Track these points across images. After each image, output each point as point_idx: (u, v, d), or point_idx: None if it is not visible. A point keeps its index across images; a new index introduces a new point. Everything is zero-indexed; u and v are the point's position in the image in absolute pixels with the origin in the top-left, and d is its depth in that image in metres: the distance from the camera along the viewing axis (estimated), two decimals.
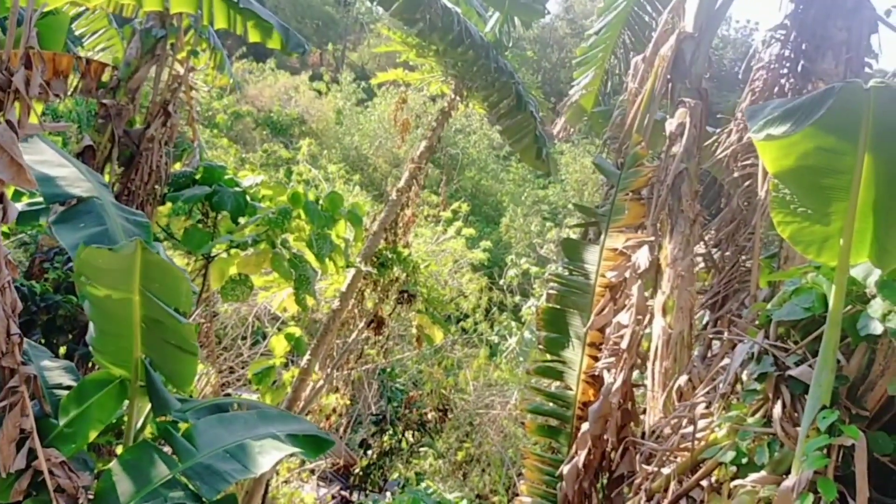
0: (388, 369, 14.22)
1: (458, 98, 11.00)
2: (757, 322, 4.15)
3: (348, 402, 12.52)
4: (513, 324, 15.99)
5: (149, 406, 4.81)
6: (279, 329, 11.45)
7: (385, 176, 26.86)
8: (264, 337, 12.70)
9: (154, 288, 4.31)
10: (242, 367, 12.31)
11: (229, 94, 26.81)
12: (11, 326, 4.00)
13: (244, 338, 12.92)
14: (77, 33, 9.19)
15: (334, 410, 11.79)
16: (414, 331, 11.96)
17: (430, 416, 13.57)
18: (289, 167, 19.25)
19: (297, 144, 22.93)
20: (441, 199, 16.02)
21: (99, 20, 9.07)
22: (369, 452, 13.74)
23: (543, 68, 36.78)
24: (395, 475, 13.33)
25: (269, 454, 4.62)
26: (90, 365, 6.56)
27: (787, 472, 3.29)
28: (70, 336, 6.90)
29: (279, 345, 9.29)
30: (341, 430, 13.33)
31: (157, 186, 7.55)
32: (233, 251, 7.97)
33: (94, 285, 4.26)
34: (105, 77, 7.30)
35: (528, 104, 10.67)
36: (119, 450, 5.32)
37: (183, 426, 4.80)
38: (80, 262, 4.16)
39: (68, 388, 4.68)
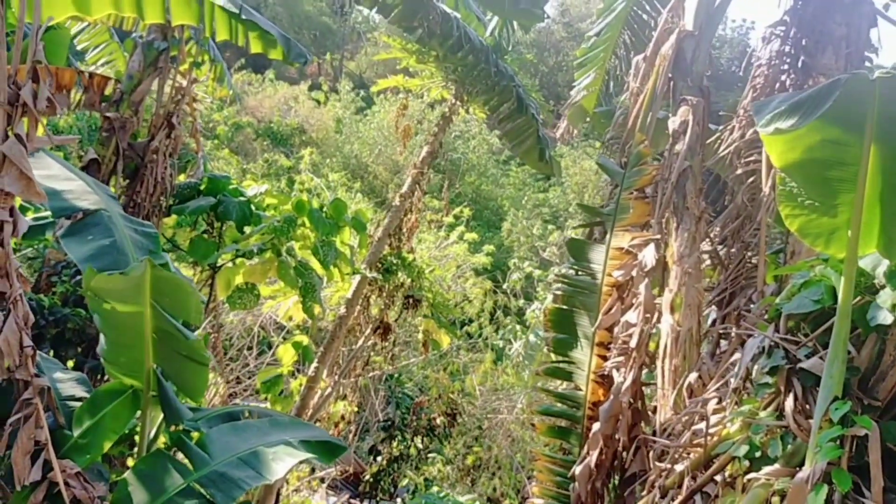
0: (395, 375, 14.21)
1: (458, 103, 11.03)
2: (766, 316, 4.17)
3: (356, 409, 12.52)
4: (517, 327, 15.97)
5: (161, 416, 4.82)
6: (284, 338, 11.46)
7: (385, 183, 26.89)
8: (270, 347, 12.70)
9: (165, 302, 4.33)
10: (249, 378, 12.32)
11: (229, 106, 26.88)
12: (24, 339, 4.01)
13: (250, 348, 12.92)
14: (79, 48, 9.24)
15: (343, 418, 11.78)
16: (420, 336, 11.97)
17: (438, 421, 13.54)
18: (290, 176, 19.29)
19: (297, 154, 22.96)
20: (443, 203, 16.05)
21: (100, 34, 9.12)
22: (379, 459, 13.72)
23: (540, 72, 36.86)
24: (405, 481, 13.30)
25: (283, 460, 4.62)
26: (100, 377, 6.58)
27: (801, 464, 3.30)
28: (79, 349, 6.92)
29: (287, 354, 9.29)
30: (350, 437, 13.32)
31: (162, 198, 7.57)
32: (238, 260, 7.98)
33: (104, 300, 4.28)
34: (108, 90, 7.32)
35: (529, 107, 10.69)
36: (130, 461, 5.34)
37: (195, 435, 4.80)
38: (90, 287, 4.17)
39: (81, 399, 4.68)
